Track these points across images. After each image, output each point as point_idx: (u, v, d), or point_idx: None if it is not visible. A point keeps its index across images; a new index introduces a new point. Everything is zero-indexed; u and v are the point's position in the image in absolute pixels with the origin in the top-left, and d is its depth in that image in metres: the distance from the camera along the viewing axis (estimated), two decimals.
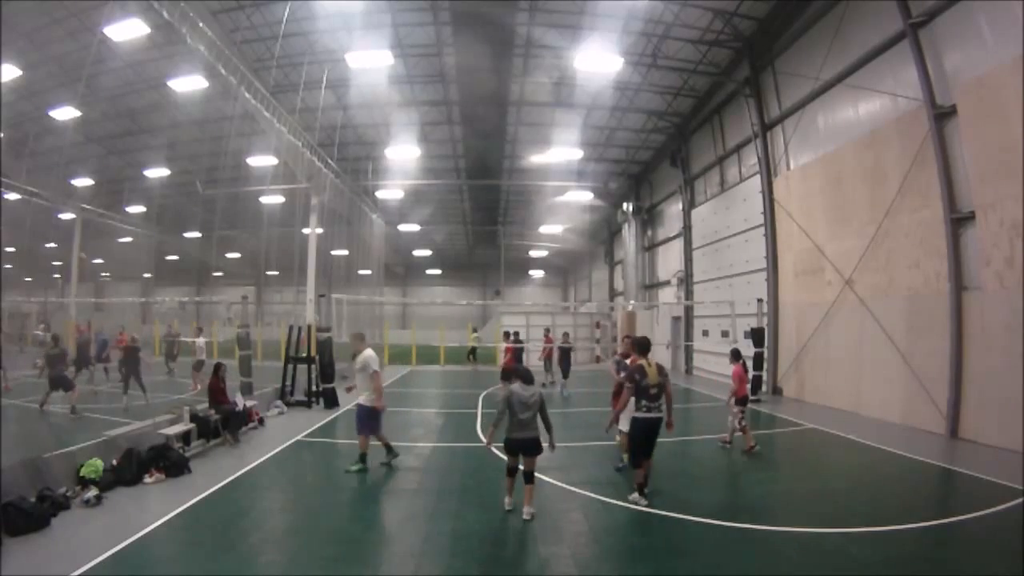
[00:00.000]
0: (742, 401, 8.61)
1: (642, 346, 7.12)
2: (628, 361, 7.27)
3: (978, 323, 8.88)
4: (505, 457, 5.78)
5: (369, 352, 7.60)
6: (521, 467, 5.66)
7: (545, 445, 5.74)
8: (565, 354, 15.72)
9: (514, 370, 6.02)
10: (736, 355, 8.98)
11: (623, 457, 7.14)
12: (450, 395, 15.44)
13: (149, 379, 12.70)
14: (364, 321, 19.49)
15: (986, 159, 8.61)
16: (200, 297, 31.79)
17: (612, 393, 8.18)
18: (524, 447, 5.62)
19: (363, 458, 7.28)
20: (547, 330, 20.20)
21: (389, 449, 7.64)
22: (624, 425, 6.97)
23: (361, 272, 21.92)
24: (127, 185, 24.84)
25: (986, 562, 4.67)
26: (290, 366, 12.60)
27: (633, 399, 6.83)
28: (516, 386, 5.66)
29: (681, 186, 20.68)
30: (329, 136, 18.35)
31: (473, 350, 22.70)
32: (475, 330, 23.12)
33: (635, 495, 5.98)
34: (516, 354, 16.47)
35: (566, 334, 17.11)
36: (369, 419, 7.39)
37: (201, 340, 14.96)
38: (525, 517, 5.43)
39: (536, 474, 5.81)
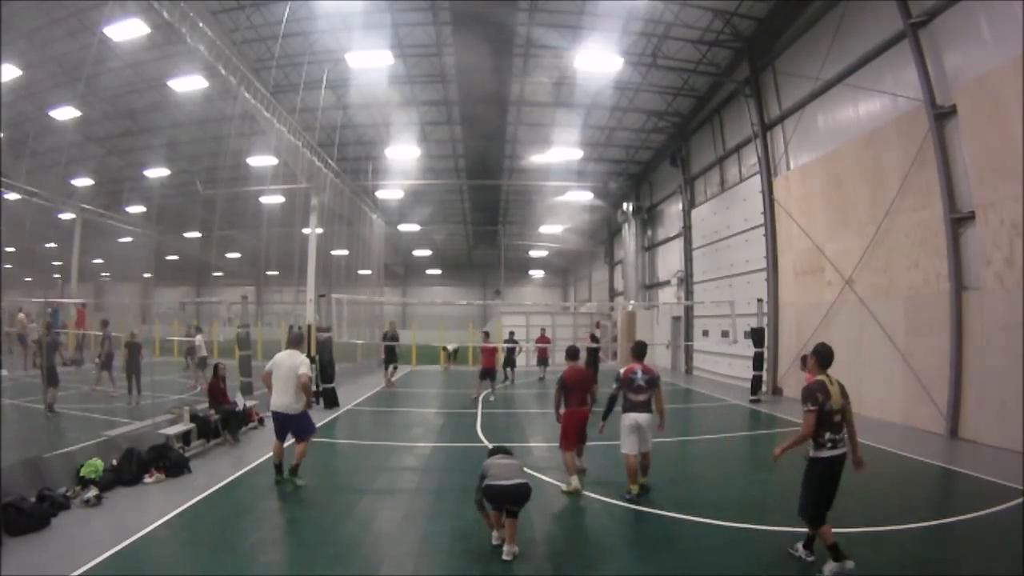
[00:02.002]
0: None
1: (639, 351, 6.40)
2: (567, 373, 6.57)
3: (978, 323, 8.88)
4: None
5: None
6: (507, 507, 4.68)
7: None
8: (593, 355, 14.45)
9: (492, 449, 5.24)
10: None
11: (630, 488, 6.16)
12: (450, 395, 15.42)
13: (149, 378, 12.68)
14: (364, 321, 19.50)
15: (986, 159, 8.62)
16: (200, 297, 31.74)
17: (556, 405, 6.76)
18: (514, 495, 4.61)
19: (279, 468, 6.63)
20: (543, 329, 20.23)
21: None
22: (623, 440, 6.18)
23: (361, 272, 21.90)
24: (127, 185, 24.78)
25: (986, 562, 4.66)
26: None
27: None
28: (497, 459, 4.94)
29: (681, 186, 20.70)
30: (329, 136, 18.33)
31: (455, 352, 22.69)
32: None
33: (833, 566, 4.23)
34: (508, 354, 16.29)
35: (592, 336, 16.13)
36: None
37: (199, 338, 15.12)
38: (506, 557, 4.53)
39: (535, 474, 5.54)
